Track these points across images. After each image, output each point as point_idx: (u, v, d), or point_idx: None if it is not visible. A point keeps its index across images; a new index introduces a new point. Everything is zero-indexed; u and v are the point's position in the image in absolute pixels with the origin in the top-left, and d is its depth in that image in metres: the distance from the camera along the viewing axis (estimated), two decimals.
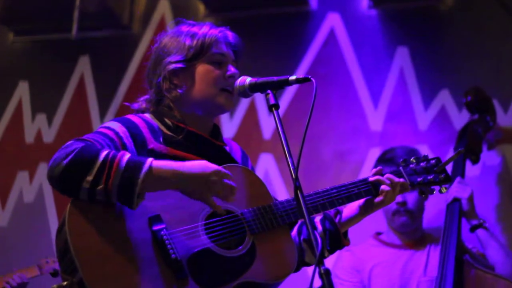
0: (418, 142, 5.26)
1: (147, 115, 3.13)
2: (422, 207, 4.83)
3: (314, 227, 3.20)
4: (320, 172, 5.47)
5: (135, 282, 2.67)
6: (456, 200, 4.65)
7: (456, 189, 4.68)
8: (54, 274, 4.82)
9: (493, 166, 5.24)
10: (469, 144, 4.87)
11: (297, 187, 2.68)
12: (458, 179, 4.73)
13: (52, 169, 2.70)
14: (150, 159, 2.73)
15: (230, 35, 3.23)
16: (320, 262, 2.45)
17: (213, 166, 2.79)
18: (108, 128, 2.95)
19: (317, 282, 2.46)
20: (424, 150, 5.18)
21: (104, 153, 2.70)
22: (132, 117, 3.06)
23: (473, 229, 4.68)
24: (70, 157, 2.68)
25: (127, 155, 2.72)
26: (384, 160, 4.77)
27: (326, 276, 2.44)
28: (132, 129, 2.98)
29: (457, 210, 4.62)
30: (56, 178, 2.69)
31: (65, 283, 2.68)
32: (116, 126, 2.96)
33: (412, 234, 4.84)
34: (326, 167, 5.50)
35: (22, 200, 6.05)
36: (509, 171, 5.24)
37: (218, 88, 3.10)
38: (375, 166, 4.67)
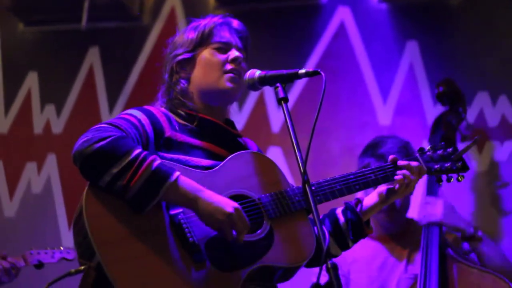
0: (426, 136, 5.24)
1: (161, 108, 3.17)
2: (407, 204, 4.69)
3: (336, 219, 3.24)
4: (329, 166, 5.46)
5: (154, 265, 2.69)
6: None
7: (424, 214, 4.53)
8: (39, 266, 4.77)
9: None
10: (445, 135, 4.84)
11: (305, 181, 2.69)
12: (426, 199, 4.60)
13: (81, 149, 2.72)
14: (177, 173, 2.76)
15: (233, 22, 3.27)
16: (327, 257, 2.46)
17: (233, 204, 2.80)
18: (131, 115, 2.98)
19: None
20: None
21: (136, 151, 2.73)
22: (149, 107, 3.10)
23: (465, 239, 4.60)
24: (103, 142, 2.70)
25: (158, 161, 2.75)
26: (376, 155, 4.64)
27: (333, 270, 2.44)
28: (152, 117, 3.01)
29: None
30: (82, 160, 2.71)
31: (82, 267, 2.69)
32: (138, 114, 3.00)
33: (394, 228, 4.67)
34: (335, 161, 5.49)
35: (30, 191, 6.06)
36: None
37: (221, 72, 3.14)
38: (367, 162, 4.61)
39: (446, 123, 4.90)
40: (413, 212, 4.83)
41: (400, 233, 4.68)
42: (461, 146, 4.95)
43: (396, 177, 3.18)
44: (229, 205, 2.78)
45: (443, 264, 4.31)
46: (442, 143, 3.43)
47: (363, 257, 4.60)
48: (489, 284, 4.23)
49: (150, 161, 2.72)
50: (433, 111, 5.37)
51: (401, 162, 3.23)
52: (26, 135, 6.17)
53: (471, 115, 5.26)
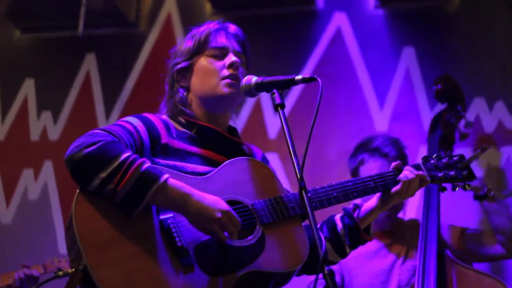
0: (423, 142, 5.24)
1: (163, 116, 3.19)
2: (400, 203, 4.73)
3: (334, 225, 3.23)
4: (325, 172, 5.46)
5: (141, 268, 2.69)
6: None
7: None
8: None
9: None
10: (444, 134, 4.82)
11: (302, 187, 2.68)
12: None
13: (71, 154, 2.75)
14: (165, 176, 2.76)
15: (230, 26, 3.27)
16: (324, 263, 2.45)
17: (223, 205, 2.80)
18: (128, 122, 3.00)
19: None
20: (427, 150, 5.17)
21: (125, 155, 2.75)
22: (148, 115, 3.12)
23: (478, 198, 4.66)
24: (93, 148, 2.73)
25: (146, 164, 2.76)
26: (369, 149, 4.71)
27: (330, 276, 2.44)
28: (148, 124, 3.03)
29: (435, 196, 4.57)
30: (73, 164, 2.75)
31: (70, 270, 2.70)
32: (134, 121, 3.02)
33: (389, 225, 4.73)
34: (331, 167, 5.49)
35: (26, 197, 6.06)
36: None
37: (219, 78, 3.14)
38: (361, 158, 4.64)
39: (444, 121, 4.86)
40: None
41: (395, 230, 4.73)
42: (460, 144, 4.98)
43: (399, 176, 3.17)
44: (218, 208, 2.78)
45: (441, 263, 4.32)
46: (449, 151, 3.41)
47: (363, 253, 4.62)
48: (487, 286, 4.24)
49: (138, 164, 2.73)
50: (429, 116, 5.36)
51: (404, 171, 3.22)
52: (23, 142, 6.16)
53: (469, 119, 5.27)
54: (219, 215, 2.77)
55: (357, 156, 4.73)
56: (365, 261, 4.65)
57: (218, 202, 2.80)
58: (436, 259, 4.31)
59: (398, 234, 4.72)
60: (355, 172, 4.75)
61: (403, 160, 4.64)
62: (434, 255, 4.33)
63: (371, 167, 4.63)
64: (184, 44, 3.24)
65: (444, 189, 3.32)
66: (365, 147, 4.74)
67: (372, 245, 4.68)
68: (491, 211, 4.62)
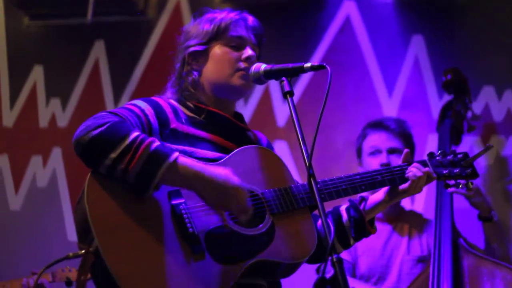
0: (431, 131, 5.24)
1: (171, 99, 3.17)
2: None
3: (339, 216, 3.25)
4: (333, 160, 5.46)
5: (152, 253, 2.69)
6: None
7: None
8: (68, 283, 4.80)
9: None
10: (454, 125, 4.85)
11: (310, 174, 2.68)
12: None
13: (79, 137, 2.74)
14: (176, 154, 2.75)
15: (249, 18, 3.24)
16: (332, 250, 2.46)
17: (235, 180, 2.80)
18: (135, 105, 2.99)
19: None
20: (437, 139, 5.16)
21: (134, 135, 2.73)
22: (156, 98, 3.11)
23: (482, 219, 4.68)
24: (100, 129, 2.72)
25: (156, 143, 2.74)
26: (372, 125, 4.82)
27: (338, 264, 2.44)
28: (157, 108, 3.02)
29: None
30: (81, 147, 2.73)
31: (80, 252, 2.69)
32: (143, 104, 3.01)
33: (393, 212, 4.78)
34: (340, 155, 5.49)
35: (35, 184, 6.07)
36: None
37: (233, 69, 3.12)
38: (362, 133, 4.67)
39: (455, 111, 4.89)
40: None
41: (399, 215, 4.81)
42: (468, 136, 4.98)
43: (408, 174, 3.19)
44: (231, 185, 2.79)
45: (456, 253, 4.33)
46: (453, 148, 3.42)
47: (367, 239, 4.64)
48: (501, 275, 4.25)
49: (148, 143, 2.72)
50: (438, 105, 5.36)
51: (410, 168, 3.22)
52: (32, 129, 6.18)
53: (476, 110, 5.25)
54: (232, 192, 2.78)
55: (360, 133, 4.82)
56: (370, 243, 4.67)
57: (230, 177, 2.80)
58: (451, 248, 4.33)
59: (401, 220, 4.79)
60: (359, 151, 4.84)
61: (407, 140, 4.71)
62: (449, 244, 4.34)
63: (372, 139, 4.72)
64: (201, 26, 3.20)
65: (448, 185, 3.34)
66: (368, 124, 4.85)
67: (379, 227, 4.69)
68: (491, 235, 4.66)
